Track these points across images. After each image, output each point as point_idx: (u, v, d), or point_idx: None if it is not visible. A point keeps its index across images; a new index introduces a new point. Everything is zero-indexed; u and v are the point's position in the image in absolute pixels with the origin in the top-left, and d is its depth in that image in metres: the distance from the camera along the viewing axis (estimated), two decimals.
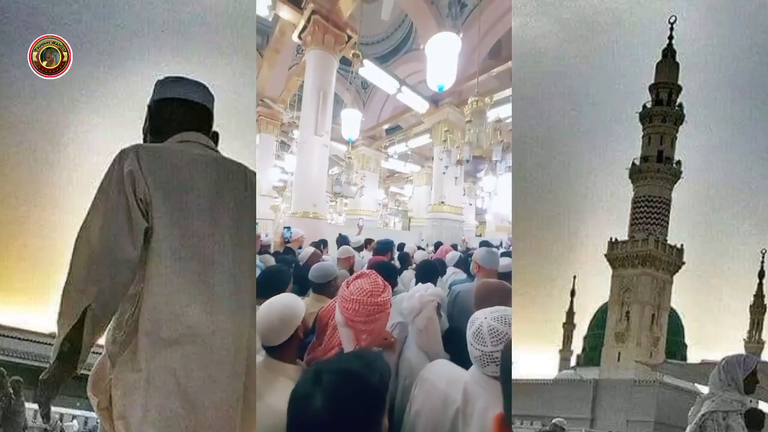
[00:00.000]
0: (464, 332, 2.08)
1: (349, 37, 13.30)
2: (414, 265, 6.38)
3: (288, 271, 3.70)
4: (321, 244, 8.03)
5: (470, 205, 19.69)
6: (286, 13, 13.52)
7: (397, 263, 6.19)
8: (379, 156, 21.36)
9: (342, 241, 8.83)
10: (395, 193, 27.08)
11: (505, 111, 14.70)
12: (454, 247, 9.89)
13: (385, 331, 2.58)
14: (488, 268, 4.13)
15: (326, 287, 3.68)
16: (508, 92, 14.69)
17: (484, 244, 9.94)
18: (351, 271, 5.06)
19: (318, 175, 13.54)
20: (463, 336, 2.10)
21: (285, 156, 19.11)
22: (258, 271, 3.61)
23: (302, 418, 1.39)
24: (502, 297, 2.77)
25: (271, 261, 5.07)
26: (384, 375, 1.62)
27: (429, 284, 3.34)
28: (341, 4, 12.67)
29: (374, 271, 2.57)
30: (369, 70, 14.33)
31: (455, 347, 2.53)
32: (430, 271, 4.29)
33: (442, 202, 17.14)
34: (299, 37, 13.48)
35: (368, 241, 8.99)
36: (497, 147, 14.74)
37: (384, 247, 6.68)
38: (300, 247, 7.89)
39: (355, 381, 1.51)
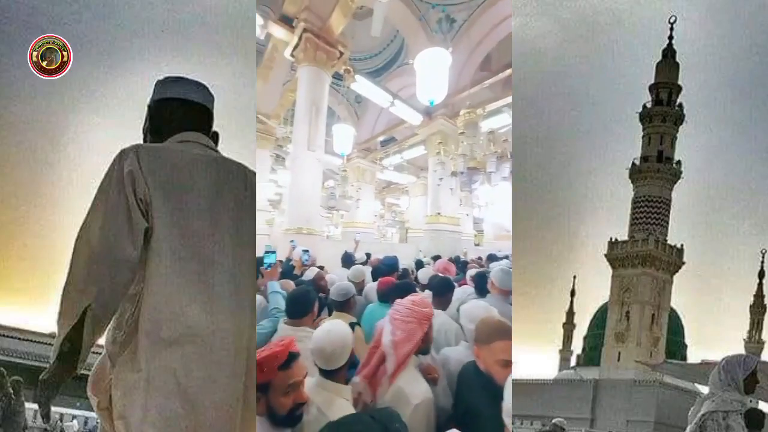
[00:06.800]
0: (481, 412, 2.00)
1: (341, 53, 13.34)
2: (421, 283, 6.34)
3: (314, 293, 3.72)
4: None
5: (467, 215, 19.43)
6: (277, 31, 13.47)
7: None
8: (374, 168, 21.26)
9: (347, 259, 8.40)
10: (392, 204, 26.88)
11: (498, 121, 14.71)
12: (456, 260, 9.60)
13: (432, 367, 2.71)
14: (503, 288, 4.24)
15: (346, 305, 4.06)
16: (501, 102, 14.70)
17: (492, 257, 9.73)
18: (360, 293, 5.21)
19: (311, 190, 13.45)
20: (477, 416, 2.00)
21: (279, 170, 18.66)
22: (279, 297, 3.94)
23: None
24: (503, 333, 2.54)
25: (292, 285, 4.90)
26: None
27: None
28: (332, 22, 12.67)
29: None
30: (361, 85, 14.35)
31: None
32: (446, 287, 4.34)
33: (439, 213, 17.13)
34: (291, 54, 13.46)
35: (368, 256, 8.66)
36: (491, 158, 15.20)
37: (390, 268, 6.29)
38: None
39: None
